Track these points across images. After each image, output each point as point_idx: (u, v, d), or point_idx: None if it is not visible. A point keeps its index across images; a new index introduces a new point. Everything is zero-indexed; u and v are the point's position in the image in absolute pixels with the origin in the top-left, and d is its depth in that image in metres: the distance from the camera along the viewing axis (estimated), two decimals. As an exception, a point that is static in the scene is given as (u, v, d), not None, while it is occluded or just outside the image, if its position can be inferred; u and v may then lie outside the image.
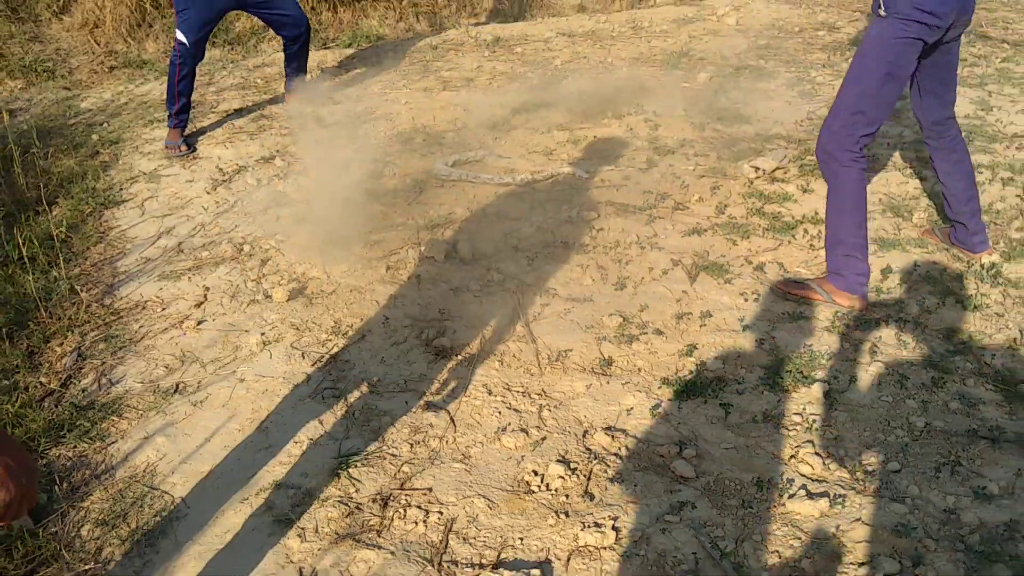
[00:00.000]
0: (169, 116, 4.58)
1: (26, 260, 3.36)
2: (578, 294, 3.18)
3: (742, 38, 6.24)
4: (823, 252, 3.27)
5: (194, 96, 5.26)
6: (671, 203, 3.84)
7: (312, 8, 6.57)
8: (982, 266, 3.23)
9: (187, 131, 4.70)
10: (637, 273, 3.29)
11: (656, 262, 3.36)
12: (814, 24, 6.52)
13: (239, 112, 5.07)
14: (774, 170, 4.11)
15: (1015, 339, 2.78)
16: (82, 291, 3.32)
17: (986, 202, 3.73)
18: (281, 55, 5.91)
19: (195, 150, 4.58)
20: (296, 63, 5.05)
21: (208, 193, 4.10)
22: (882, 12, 2.79)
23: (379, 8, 6.81)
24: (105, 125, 5.01)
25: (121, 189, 4.21)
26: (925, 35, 2.77)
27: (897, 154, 4.26)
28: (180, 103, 4.56)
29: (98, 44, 6.25)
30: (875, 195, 3.85)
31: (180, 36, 4.49)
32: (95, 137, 4.81)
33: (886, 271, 3.22)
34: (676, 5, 7.25)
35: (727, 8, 6.91)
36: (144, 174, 4.35)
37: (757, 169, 4.11)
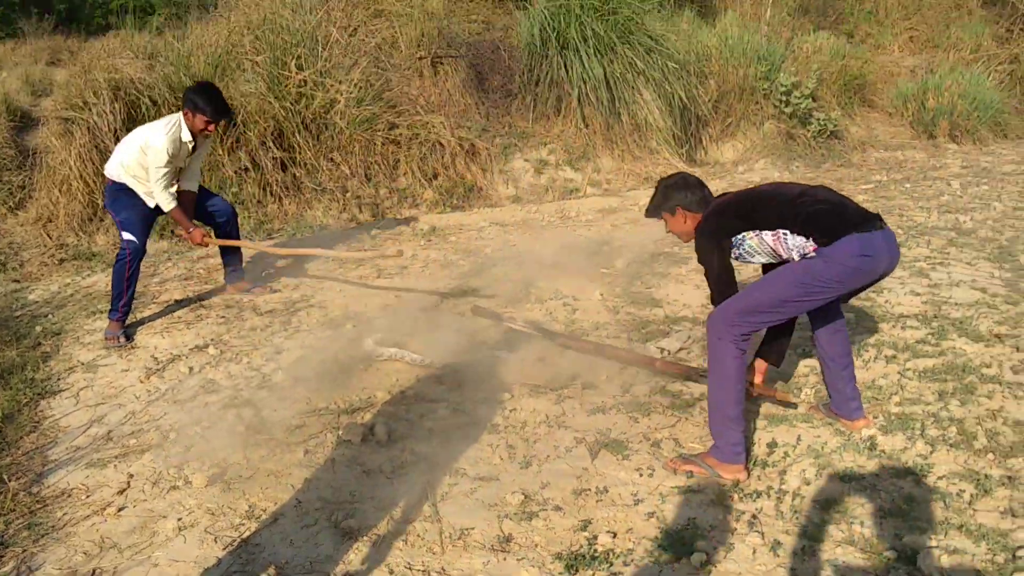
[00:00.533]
0: (112, 309, 4.82)
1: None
2: (486, 473, 3.36)
3: (660, 227, 6.72)
4: (714, 428, 3.54)
5: (137, 287, 5.53)
6: (580, 383, 4.10)
7: (259, 201, 6.99)
8: (860, 439, 3.48)
9: (127, 322, 4.92)
10: (543, 451, 3.49)
11: (561, 440, 3.57)
12: (726, 211, 7.06)
13: (179, 302, 5.33)
14: (678, 350, 4.42)
15: (886, 508, 2.99)
16: (11, 480, 3.43)
17: (869, 378, 4.05)
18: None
19: (132, 340, 4.79)
20: (231, 253, 5.39)
21: (141, 382, 4.28)
22: (811, 254, 3.13)
23: (323, 200, 7.25)
24: (50, 316, 5.22)
25: (59, 379, 4.38)
26: (851, 284, 3.16)
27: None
28: (127, 296, 4.82)
29: (50, 238, 6.56)
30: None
31: (127, 236, 4.81)
32: (39, 328, 5.01)
33: (771, 445, 3.46)
34: (602, 196, 7.83)
35: (648, 199, 7.45)
36: (82, 364, 4.53)
37: (663, 350, 4.41)
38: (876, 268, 3.15)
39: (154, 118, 6.78)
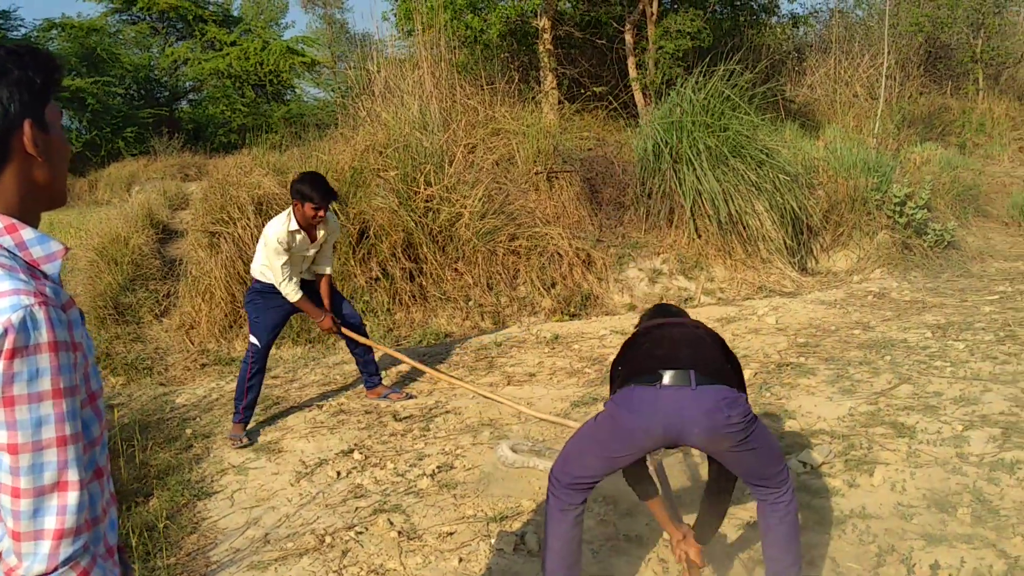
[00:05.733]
0: (235, 411, 5.09)
1: (132, 549, 3.67)
2: (641, 587, 3.36)
3: (782, 336, 6.72)
4: (873, 547, 3.47)
5: (279, 392, 5.80)
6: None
7: (388, 309, 7.27)
8: (1030, 562, 3.36)
9: (271, 424, 5.14)
10: (696, 566, 3.47)
11: (712, 554, 3.54)
12: (849, 324, 7.01)
13: (320, 407, 5.54)
14: (820, 465, 4.36)
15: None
16: (177, 580, 3.58)
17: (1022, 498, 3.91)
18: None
19: (254, 442, 5.02)
20: (364, 359, 5.60)
21: (292, 485, 4.45)
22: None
23: (447, 308, 7.50)
24: (198, 419, 5.49)
25: (212, 481, 4.58)
26: (633, 444, 2.76)
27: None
28: (248, 399, 5.08)
29: (192, 343, 6.93)
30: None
31: (253, 339, 5.11)
32: (188, 431, 5.27)
33: (934, 567, 3.36)
34: (718, 305, 7.86)
35: (766, 308, 7.47)
36: (233, 467, 4.74)
37: (804, 464, 4.36)
38: (649, 429, 2.68)
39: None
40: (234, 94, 22.51)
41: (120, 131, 19.86)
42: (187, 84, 24.56)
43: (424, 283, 7.45)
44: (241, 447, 4.96)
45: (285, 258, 4.96)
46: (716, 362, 2.79)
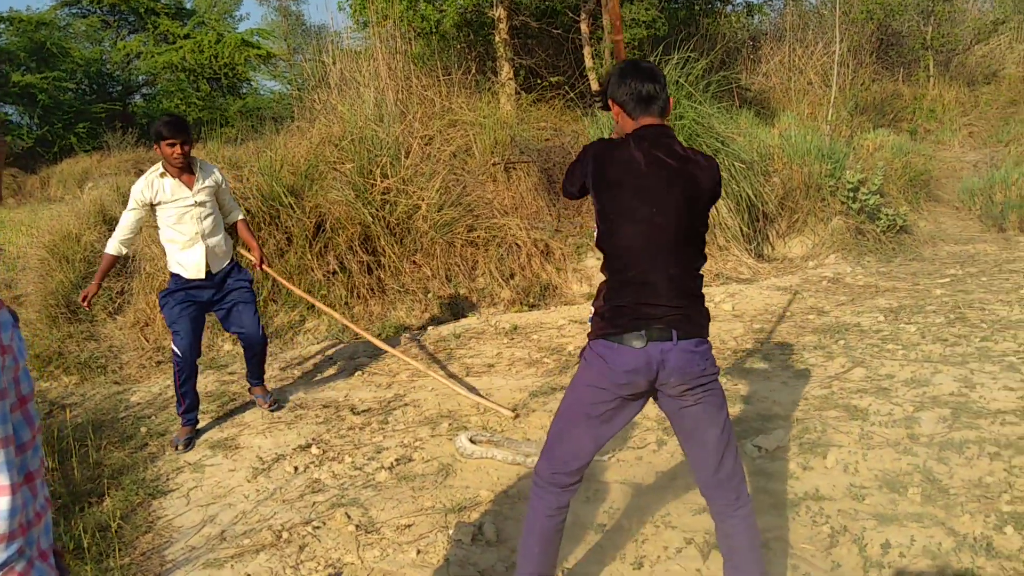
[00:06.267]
0: (179, 415, 5.02)
1: (85, 550, 3.61)
2: (597, 573, 3.38)
3: (738, 323, 6.79)
4: (826, 528, 3.53)
5: (235, 388, 5.74)
6: (681, 483, 4.12)
7: (346, 303, 7.23)
8: (975, 539, 3.43)
9: (228, 420, 5.08)
10: (653, 552, 3.51)
11: (670, 541, 3.58)
12: (803, 309, 7.10)
13: (278, 402, 5.49)
14: (775, 448, 4.42)
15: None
16: (131, 580, 3.54)
17: (976, 476, 4.00)
18: (316, 347, 6.47)
19: (190, 448, 4.91)
20: (252, 369, 5.41)
21: (249, 481, 4.41)
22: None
23: (406, 301, 7.47)
24: (153, 418, 5.42)
25: (168, 479, 4.53)
26: (612, 388, 2.70)
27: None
28: (186, 403, 4.98)
29: (147, 341, 6.84)
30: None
31: (175, 348, 4.91)
32: (143, 430, 5.20)
33: (885, 546, 3.43)
34: (676, 292, 7.92)
35: (723, 295, 7.55)
36: (189, 464, 4.68)
37: (760, 448, 4.42)
38: (632, 382, 2.66)
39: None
40: (188, 88, 22.20)
41: (72, 127, 19.51)
42: (140, 78, 24.16)
43: (382, 276, 7.41)
44: (176, 452, 4.88)
45: (135, 207, 4.79)
46: (696, 317, 2.73)
